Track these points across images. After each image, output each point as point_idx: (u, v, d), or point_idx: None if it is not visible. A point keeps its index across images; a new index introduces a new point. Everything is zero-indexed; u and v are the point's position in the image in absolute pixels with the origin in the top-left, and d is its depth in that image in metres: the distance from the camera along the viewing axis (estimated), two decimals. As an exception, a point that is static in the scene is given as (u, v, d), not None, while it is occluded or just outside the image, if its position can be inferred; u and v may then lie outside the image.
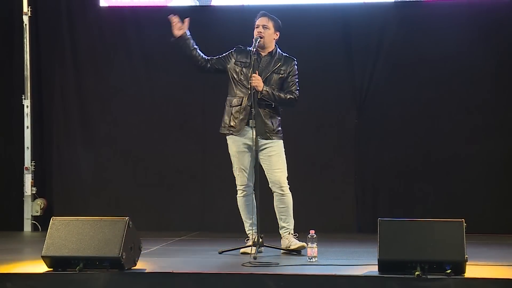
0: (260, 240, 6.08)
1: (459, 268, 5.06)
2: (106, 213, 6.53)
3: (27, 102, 8.64)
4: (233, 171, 6.47)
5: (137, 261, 5.43)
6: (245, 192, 6.43)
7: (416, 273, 4.97)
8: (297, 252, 6.23)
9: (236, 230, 6.81)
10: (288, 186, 6.38)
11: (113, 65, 8.76)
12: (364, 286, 5.04)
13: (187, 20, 6.39)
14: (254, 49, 6.27)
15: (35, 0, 8.77)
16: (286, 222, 6.38)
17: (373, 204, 8.39)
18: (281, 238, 6.40)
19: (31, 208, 8.62)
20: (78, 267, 5.20)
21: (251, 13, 6.60)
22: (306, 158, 8.35)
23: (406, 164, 8.35)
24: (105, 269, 5.22)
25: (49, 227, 5.40)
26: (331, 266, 5.61)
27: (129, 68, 8.75)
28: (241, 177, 6.42)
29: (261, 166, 6.33)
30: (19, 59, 8.71)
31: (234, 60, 6.43)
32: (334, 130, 8.47)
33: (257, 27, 6.38)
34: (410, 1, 8.40)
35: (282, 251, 6.30)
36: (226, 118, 6.42)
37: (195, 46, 6.43)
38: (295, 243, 6.28)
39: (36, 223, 8.60)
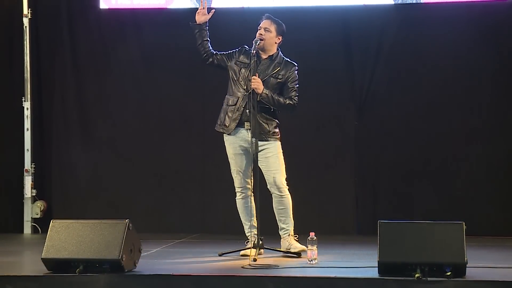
0: (260, 242, 6.08)
1: (459, 270, 5.06)
2: (106, 215, 6.53)
3: (27, 104, 8.65)
4: (231, 173, 6.49)
5: (137, 263, 5.43)
6: (243, 194, 6.44)
7: (416, 275, 4.97)
8: (297, 254, 6.23)
9: (236, 232, 6.80)
10: (287, 187, 6.38)
11: (113, 68, 8.76)
12: (364, 288, 5.04)
13: (212, 11, 6.47)
14: (254, 51, 6.28)
15: (35, 2, 8.76)
16: (286, 223, 6.38)
17: (373, 206, 8.38)
18: (281, 239, 6.40)
19: (31, 210, 8.62)
20: (78, 270, 5.20)
21: (251, 15, 6.61)
22: (306, 159, 8.33)
23: (406, 165, 8.33)
24: (105, 271, 5.22)
25: (49, 230, 5.41)
26: (331, 268, 5.62)
27: (129, 70, 8.74)
28: (239, 179, 6.43)
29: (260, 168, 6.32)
30: (19, 61, 8.70)
31: (235, 60, 6.44)
32: (334, 131, 8.46)
33: (259, 29, 6.39)
34: (410, 3, 8.40)
35: (282, 253, 6.29)
36: (221, 115, 6.44)
37: (208, 39, 6.49)
38: (296, 246, 6.27)
39: (36, 225, 8.61)
